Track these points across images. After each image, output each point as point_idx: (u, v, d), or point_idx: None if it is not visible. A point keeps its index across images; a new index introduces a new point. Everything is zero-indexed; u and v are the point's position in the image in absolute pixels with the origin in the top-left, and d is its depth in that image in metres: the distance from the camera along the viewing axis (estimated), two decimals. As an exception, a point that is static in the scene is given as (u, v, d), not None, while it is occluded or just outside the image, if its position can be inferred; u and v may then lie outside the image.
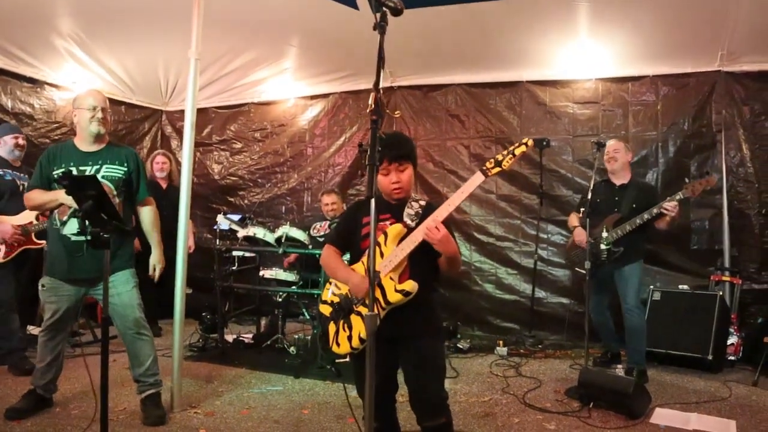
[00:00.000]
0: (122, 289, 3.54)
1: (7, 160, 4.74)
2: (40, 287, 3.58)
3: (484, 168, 2.35)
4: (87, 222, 2.56)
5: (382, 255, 2.44)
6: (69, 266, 3.48)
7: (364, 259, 2.50)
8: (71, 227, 3.42)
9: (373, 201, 1.83)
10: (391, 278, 2.40)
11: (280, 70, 6.64)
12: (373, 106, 1.88)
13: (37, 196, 3.50)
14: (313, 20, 5.41)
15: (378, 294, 2.39)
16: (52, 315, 3.54)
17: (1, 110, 5.79)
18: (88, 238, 2.54)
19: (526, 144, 2.32)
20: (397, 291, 2.35)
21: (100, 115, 3.51)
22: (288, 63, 6.48)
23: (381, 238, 2.46)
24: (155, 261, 3.75)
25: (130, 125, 7.41)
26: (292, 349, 5.15)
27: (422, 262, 2.43)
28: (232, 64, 6.48)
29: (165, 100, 7.58)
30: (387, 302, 2.37)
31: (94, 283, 3.51)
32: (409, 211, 2.50)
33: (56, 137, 6.26)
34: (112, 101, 6.97)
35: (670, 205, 4.34)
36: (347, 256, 2.72)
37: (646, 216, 4.44)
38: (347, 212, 2.85)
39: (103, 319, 2.68)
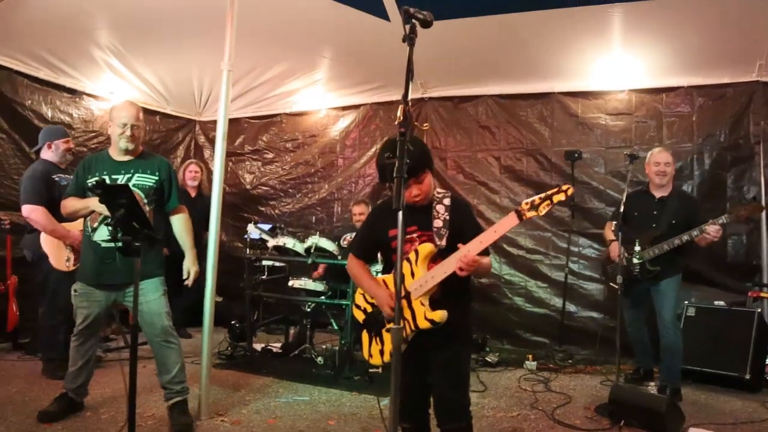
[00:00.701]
0: (151, 297, 3.59)
1: (56, 164, 4.77)
2: (72, 292, 3.66)
3: (520, 210, 2.30)
4: (118, 230, 2.60)
5: (413, 274, 2.45)
6: (99, 272, 3.55)
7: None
8: (101, 234, 3.49)
9: (401, 214, 1.82)
10: (422, 303, 2.41)
11: (311, 82, 6.71)
12: (401, 117, 1.87)
13: (72, 204, 3.59)
14: (345, 32, 5.46)
15: (408, 315, 2.42)
16: (84, 320, 3.61)
17: (42, 119, 5.95)
18: (120, 245, 2.59)
19: (566, 192, 2.25)
20: (426, 319, 2.37)
21: (129, 132, 3.56)
22: (320, 74, 6.53)
23: (412, 256, 2.46)
24: (189, 264, 3.76)
25: (165, 135, 7.56)
26: (319, 359, 5.16)
27: (453, 281, 2.41)
28: (264, 75, 6.57)
29: (198, 110, 7.72)
30: (416, 326, 2.40)
31: (123, 289, 3.56)
32: (436, 223, 2.48)
33: (93, 146, 6.41)
34: (147, 111, 7.12)
35: (712, 230, 4.16)
36: (377, 267, 2.74)
37: (685, 237, 4.27)
38: (369, 220, 2.80)
39: (132, 326, 2.72)
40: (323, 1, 4.93)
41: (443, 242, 2.43)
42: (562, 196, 2.25)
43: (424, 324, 2.38)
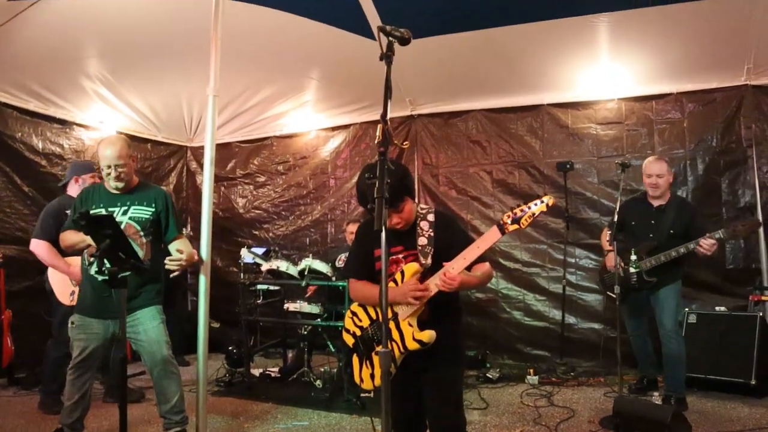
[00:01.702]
0: (149, 325, 3.53)
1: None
2: (69, 324, 3.61)
3: (502, 223, 2.31)
4: (105, 261, 2.57)
5: None
6: (97, 304, 3.50)
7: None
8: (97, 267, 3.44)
9: (384, 233, 1.79)
10: (409, 324, 2.39)
11: (300, 103, 6.72)
12: (380, 137, 1.85)
13: (69, 237, 3.56)
14: (331, 53, 5.48)
15: (396, 337, 2.40)
16: (81, 352, 3.54)
17: (32, 151, 5.94)
18: (106, 277, 2.55)
19: (546, 204, 2.27)
20: (415, 340, 2.36)
21: (114, 173, 3.51)
22: (308, 96, 6.55)
23: (398, 276, 2.44)
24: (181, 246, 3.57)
25: (156, 162, 7.54)
26: (318, 382, 5.10)
27: (441, 299, 2.40)
28: (253, 99, 6.59)
29: (189, 136, 7.71)
30: (405, 348, 2.38)
31: (119, 319, 3.49)
32: (421, 241, 2.45)
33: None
34: (138, 139, 7.12)
35: (707, 244, 4.13)
36: None
37: (682, 250, 4.24)
38: (357, 241, 2.76)
39: (121, 359, 2.67)
40: (308, 23, 4.96)
41: (428, 260, 2.41)
42: (543, 208, 2.25)
43: (412, 345, 2.35)
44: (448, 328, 2.42)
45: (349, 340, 2.62)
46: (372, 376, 2.48)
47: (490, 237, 2.32)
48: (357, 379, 2.57)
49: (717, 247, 4.22)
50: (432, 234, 2.46)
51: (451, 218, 2.70)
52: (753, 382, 4.51)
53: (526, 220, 2.26)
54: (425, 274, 2.41)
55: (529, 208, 2.27)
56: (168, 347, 3.60)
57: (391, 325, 2.40)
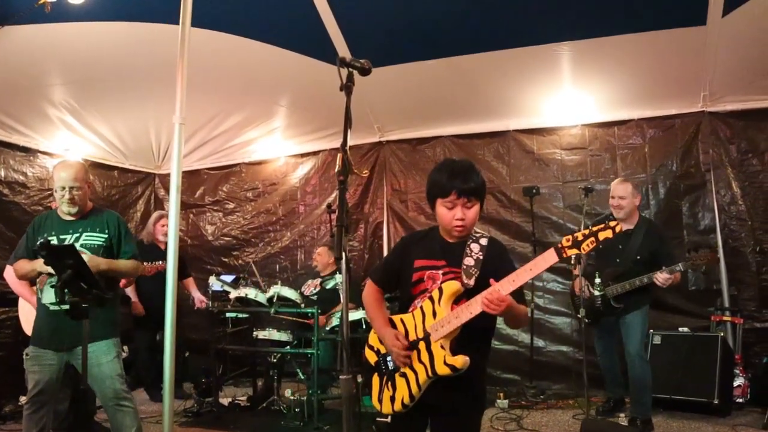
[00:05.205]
0: (103, 360, 3.40)
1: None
2: (24, 356, 3.49)
3: (560, 247, 2.08)
4: (66, 291, 2.52)
5: (434, 314, 2.25)
6: (50, 334, 3.39)
7: (415, 313, 2.32)
8: (48, 296, 3.35)
9: (344, 262, 1.79)
10: (441, 346, 2.20)
11: (269, 130, 6.75)
12: (340, 166, 1.86)
13: (22, 266, 3.47)
14: (300, 80, 5.53)
15: (425, 359, 2.23)
16: (35, 386, 3.41)
17: (-6, 180, 5.83)
18: (67, 307, 2.50)
19: (613, 229, 2.03)
20: (446, 364, 2.16)
21: (68, 195, 3.44)
22: (277, 122, 6.59)
23: (435, 294, 2.27)
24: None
25: (123, 189, 7.43)
26: (287, 409, 5.03)
27: (478, 325, 2.20)
28: (222, 126, 6.59)
29: (157, 163, 7.63)
30: (434, 372, 2.19)
31: (73, 350, 3.38)
32: (468, 261, 2.28)
33: (49, 203, 6.24)
34: (105, 167, 7.03)
35: (661, 278, 4.20)
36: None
37: (645, 280, 4.29)
38: (397, 248, 2.57)
39: (82, 390, 2.61)
40: (276, 51, 5.01)
41: (471, 281, 2.23)
42: (609, 234, 2.03)
43: (442, 370, 2.16)
44: (476, 361, 2.18)
45: (372, 358, 2.42)
46: (393, 399, 2.30)
47: (545, 260, 2.10)
48: (375, 402, 2.38)
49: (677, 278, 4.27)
50: (481, 257, 2.29)
51: (503, 247, 2.47)
52: (716, 401, 4.58)
53: (588, 245, 2.05)
54: (464, 296, 2.25)
55: (593, 233, 2.06)
56: (121, 381, 3.48)
57: (421, 345, 2.25)
